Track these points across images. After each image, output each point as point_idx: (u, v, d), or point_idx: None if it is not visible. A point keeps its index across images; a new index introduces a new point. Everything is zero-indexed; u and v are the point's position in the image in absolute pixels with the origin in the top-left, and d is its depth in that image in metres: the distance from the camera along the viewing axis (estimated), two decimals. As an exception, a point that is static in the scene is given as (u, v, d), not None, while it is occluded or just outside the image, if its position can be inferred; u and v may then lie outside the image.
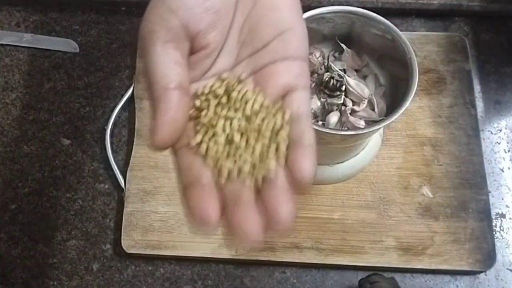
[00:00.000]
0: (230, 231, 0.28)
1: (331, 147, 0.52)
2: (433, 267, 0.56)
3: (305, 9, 0.45)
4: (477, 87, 0.65)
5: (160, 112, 0.28)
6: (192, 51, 0.31)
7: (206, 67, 0.32)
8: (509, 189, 0.61)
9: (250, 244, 0.28)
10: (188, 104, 0.30)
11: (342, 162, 0.58)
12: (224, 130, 0.30)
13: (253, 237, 0.28)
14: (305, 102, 0.31)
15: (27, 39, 0.68)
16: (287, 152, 0.29)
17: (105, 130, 0.64)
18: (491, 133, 0.64)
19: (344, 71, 0.54)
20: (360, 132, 0.48)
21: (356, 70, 0.55)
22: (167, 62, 0.29)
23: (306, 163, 0.29)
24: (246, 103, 0.30)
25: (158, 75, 0.29)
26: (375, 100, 0.53)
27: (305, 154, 0.29)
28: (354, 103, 0.54)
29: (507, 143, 0.63)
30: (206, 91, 0.31)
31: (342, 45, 0.54)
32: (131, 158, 0.61)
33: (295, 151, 0.29)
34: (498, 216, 0.60)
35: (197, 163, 0.30)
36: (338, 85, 0.52)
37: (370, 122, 0.52)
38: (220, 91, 0.31)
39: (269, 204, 0.28)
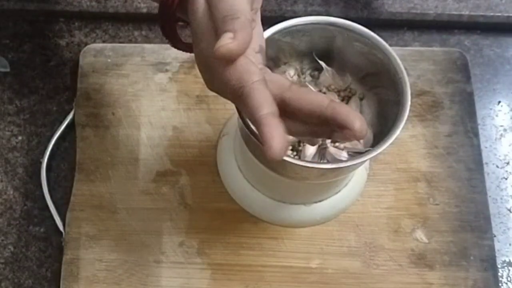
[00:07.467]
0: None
1: (308, 183, 0.50)
2: (429, 326, 0.54)
3: (278, 19, 0.45)
4: (480, 112, 0.63)
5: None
6: None
7: None
8: (517, 232, 0.58)
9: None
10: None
11: (321, 201, 0.56)
12: None
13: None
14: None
15: None
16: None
17: (40, 163, 0.61)
18: (497, 166, 0.61)
19: (324, 93, 0.52)
20: (342, 165, 0.45)
21: (338, 92, 0.53)
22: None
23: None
24: None
25: None
26: (359, 128, 0.50)
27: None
28: (335, 131, 0.52)
29: (516, 178, 0.61)
30: None
31: (321, 62, 0.51)
32: (72, 197, 0.59)
33: None
34: (505, 264, 0.57)
35: None
36: (316, 110, 0.50)
37: (354, 154, 0.49)
38: None
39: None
